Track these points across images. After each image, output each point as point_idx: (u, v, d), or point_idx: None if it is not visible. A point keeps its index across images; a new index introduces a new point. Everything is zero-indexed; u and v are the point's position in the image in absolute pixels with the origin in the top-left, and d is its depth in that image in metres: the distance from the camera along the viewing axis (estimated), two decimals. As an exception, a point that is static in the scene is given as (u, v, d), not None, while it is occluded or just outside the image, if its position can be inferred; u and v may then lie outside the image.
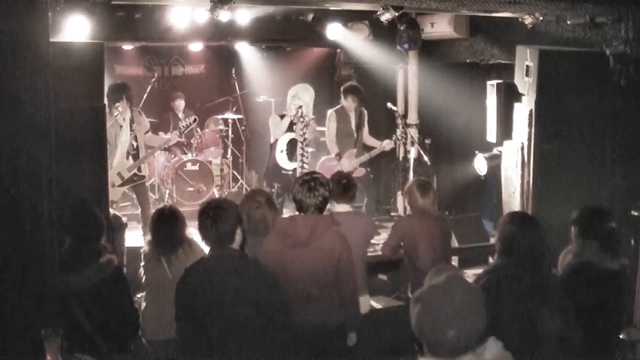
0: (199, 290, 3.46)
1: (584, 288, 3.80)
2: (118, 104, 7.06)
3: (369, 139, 7.94)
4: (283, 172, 7.24)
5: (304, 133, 7.03)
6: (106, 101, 6.83)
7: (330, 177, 4.86)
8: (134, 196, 7.79)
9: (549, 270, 3.70)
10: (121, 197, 7.48)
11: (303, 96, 7.12)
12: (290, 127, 7.17)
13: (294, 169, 7.16)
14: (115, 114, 7.13)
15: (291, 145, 7.20)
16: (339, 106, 7.81)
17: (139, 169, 7.27)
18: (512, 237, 3.54)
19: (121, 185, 7.19)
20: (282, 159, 7.21)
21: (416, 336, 2.15)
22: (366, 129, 7.91)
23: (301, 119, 6.98)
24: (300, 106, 7.01)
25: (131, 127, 7.15)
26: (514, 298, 3.41)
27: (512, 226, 3.59)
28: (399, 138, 7.89)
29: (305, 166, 7.11)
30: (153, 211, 7.08)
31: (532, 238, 3.53)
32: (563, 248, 4.22)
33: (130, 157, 7.19)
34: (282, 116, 7.27)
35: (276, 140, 7.22)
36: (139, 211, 8.04)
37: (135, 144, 7.21)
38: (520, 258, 3.50)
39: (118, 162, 7.08)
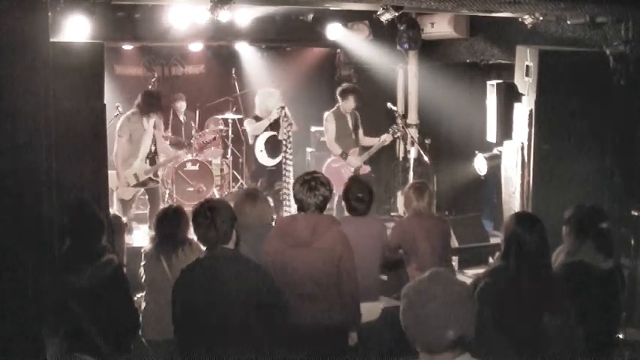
0: (197, 290, 3.46)
1: (578, 288, 3.79)
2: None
3: (365, 140, 7.94)
4: (267, 168, 7.70)
5: (288, 132, 7.23)
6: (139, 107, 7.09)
7: (345, 187, 4.82)
8: (145, 196, 7.90)
9: (551, 271, 3.69)
10: (132, 197, 7.56)
11: (269, 102, 7.58)
12: (266, 127, 7.61)
13: (277, 164, 7.57)
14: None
15: (269, 143, 7.63)
16: (335, 107, 7.78)
17: (155, 174, 7.45)
18: (517, 238, 3.52)
19: (135, 185, 7.34)
20: (262, 157, 7.65)
21: (404, 330, 2.17)
22: (361, 130, 7.92)
23: (285, 119, 7.25)
24: (283, 107, 7.37)
25: (153, 131, 7.31)
26: (518, 300, 3.40)
27: (517, 227, 3.57)
28: (396, 131, 7.84)
29: (288, 162, 7.33)
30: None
31: (537, 240, 3.52)
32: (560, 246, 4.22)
33: (148, 160, 7.33)
34: (255, 118, 7.70)
35: (255, 141, 7.61)
36: (138, 212, 8.07)
37: (154, 148, 7.38)
38: (524, 259, 3.49)
39: (137, 164, 7.24)
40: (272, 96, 7.75)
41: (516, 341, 3.33)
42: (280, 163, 7.52)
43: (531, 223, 3.60)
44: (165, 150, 7.74)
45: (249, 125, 7.78)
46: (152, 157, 7.36)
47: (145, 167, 7.28)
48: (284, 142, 7.37)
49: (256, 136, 7.67)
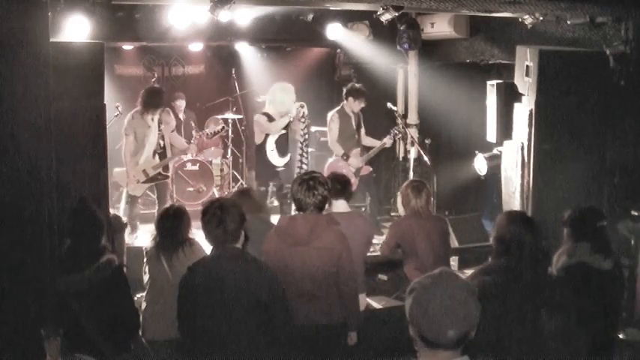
0: (202, 288, 3.47)
1: (579, 289, 3.80)
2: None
3: (366, 140, 7.93)
4: (277, 169, 7.31)
5: (305, 134, 7.03)
6: (141, 105, 7.11)
7: (327, 176, 4.87)
8: (153, 195, 7.91)
9: (546, 270, 3.69)
10: (142, 194, 7.61)
11: (280, 97, 7.12)
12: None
13: (286, 164, 7.27)
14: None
15: (280, 141, 7.26)
16: (340, 107, 7.78)
17: (165, 169, 7.47)
18: (509, 236, 3.52)
19: (145, 182, 7.37)
20: (273, 157, 7.26)
21: (409, 325, 2.18)
22: (363, 130, 7.91)
23: (302, 119, 6.99)
24: (302, 105, 7.04)
25: (159, 127, 7.32)
26: (511, 299, 3.40)
27: (509, 225, 3.56)
28: (397, 133, 7.83)
29: (304, 166, 7.13)
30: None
31: (530, 238, 3.52)
32: (561, 247, 4.22)
33: (157, 155, 7.37)
34: (265, 114, 7.24)
35: (265, 140, 7.22)
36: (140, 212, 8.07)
37: (162, 143, 7.39)
38: (518, 258, 3.48)
39: (144, 160, 7.27)
40: (288, 91, 7.25)
41: (510, 340, 3.33)
42: (288, 163, 7.34)
43: (524, 221, 3.60)
44: (177, 143, 7.69)
45: (261, 123, 7.21)
46: (162, 153, 7.39)
47: (153, 163, 7.33)
48: (300, 143, 7.08)
49: (267, 135, 7.22)
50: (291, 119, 7.10)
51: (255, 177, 7.54)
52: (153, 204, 8.13)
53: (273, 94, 7.26)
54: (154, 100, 7.20)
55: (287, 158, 7.33)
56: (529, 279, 3.45)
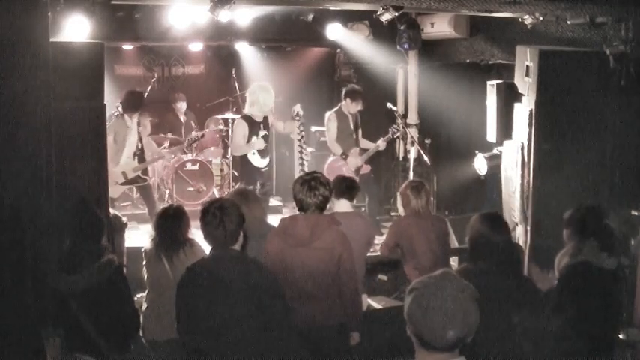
0: (201, 289, 3.47)
1: (582, 287, 3.79)
2: (118, 104, 7.15)
3: (363, 142, 7.93)
4: (261, 170, 7.20)
5: (301, 131, 7.04)
6: (107, 103, 6.96)
7: (333, 178, 4.88)
8: (137, 196, 7.86)
9: (519, 271, 3.67)
10: (120, 196, 7.54)
11: (262, 98, 7.00)
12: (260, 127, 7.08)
13: (267, 165, 7.22)
14: (116, 114, 7.18)
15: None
16: (338, 107, 7.79)
17: (144, 172, 7.43)
18: (483, 239, 3.50)
19: (123, 184, 7.35)
20: (256, 160, 7.12)
21: (407, 325, 2.16)
22: (360, 131, 7.91)
23: (297, 118, 7.00)
24: (296, 104, 7.05)
25: (137, 129, 7.31)
26: (487, 301, 3.39)
27: (483, 227, 3.54)
28: (396, 131, 7.80)
29: (305, 163, 7.13)
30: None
31: (503, 240, 3.50)
32: (563, 248, 4.21)
33: (136, 157, 7.34)
34: (245, 118, 7.06)
35: (247, 143, 7.06)
36: (138, 212, 8.07)
37: (140, 145, 7.38)
38: (492, 259, 3.46)
39: (124, 161, 7.25)
40: (269, 90, 7.07)
41: (487, 342, 3.32)
42: (269, 164, 7.30)
43: (497, 223, 3.58)
44: (151, 148, 7.72)
45: (239, 140, 7.01)
46: (140, 155, 7.39)
47: (132, 165, 7.32)
48: (298, 141, 7.07)
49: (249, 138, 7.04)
50: (270, 117, 7.01)
51: (240, 178, 7.46)
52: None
53: (255, 95, 7.04)
54: (135, 102, 7.21)
55: (267, 159, 7.24)
56: (504, 280, 3.43)
